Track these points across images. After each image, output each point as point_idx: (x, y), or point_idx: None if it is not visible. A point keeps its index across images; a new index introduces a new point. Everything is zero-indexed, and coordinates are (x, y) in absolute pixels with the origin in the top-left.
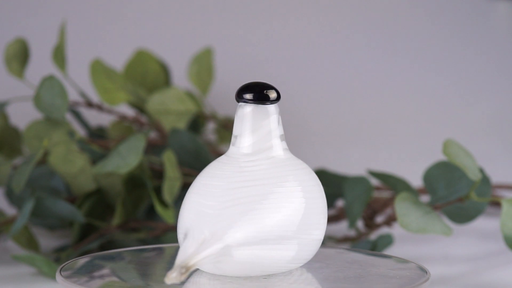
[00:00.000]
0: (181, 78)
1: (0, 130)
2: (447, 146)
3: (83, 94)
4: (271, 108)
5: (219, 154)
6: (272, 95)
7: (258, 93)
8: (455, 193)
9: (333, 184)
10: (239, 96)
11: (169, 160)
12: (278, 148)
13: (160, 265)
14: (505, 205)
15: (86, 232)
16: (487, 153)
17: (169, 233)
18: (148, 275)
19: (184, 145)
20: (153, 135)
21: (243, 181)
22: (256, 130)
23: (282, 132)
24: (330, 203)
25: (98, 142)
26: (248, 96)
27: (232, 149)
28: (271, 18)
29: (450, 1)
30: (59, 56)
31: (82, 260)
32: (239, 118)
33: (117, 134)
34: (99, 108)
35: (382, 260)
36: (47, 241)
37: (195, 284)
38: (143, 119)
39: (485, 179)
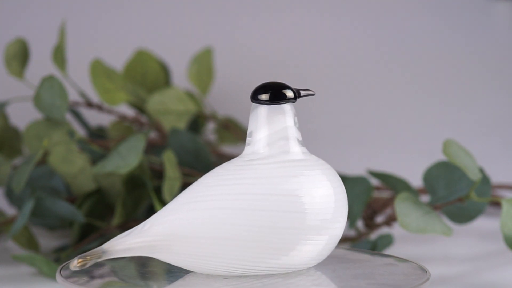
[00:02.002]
0: (181, 78)
1: (0, 130)
2: (447, 146)
3: (83, 94)
4: (286, 107)
5: (219, 154)
6: (288, 94)
7: (273, 92)
8: (455, 193)
9: None
10: (254, 97)
11: (169, 160)
12: (294, 147)
13: (160, 265)
14: (505, 205)
15: (86, 232)
16: (487, 153)
17: None
18: (148, 275)
19: (184, 145)
20: (153, 135)
21: (235, 179)
22: (270, 129)
23: (299, 135)
24: None
25: (98, 142)
26: (264, 96)
27: (245, 150)
28: (271, 18)
29: (450, 1)
30: (59, 56)
31: None
32: (253, 118)
33: (117, 134)
34: (99, 108)
35: (382, 260)
36: (47, 241)
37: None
38: (143, 119)
39: (485, 179)
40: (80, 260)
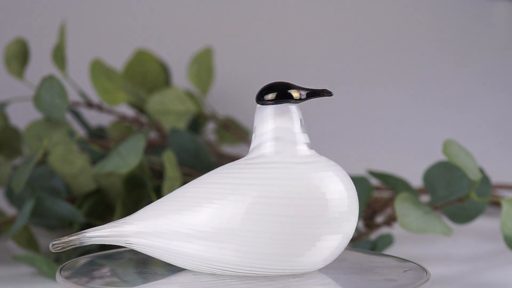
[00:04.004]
0: (181, 78)
1: (0, 130)
2: (447, 146)
3: (83, 94)
4: (292, 107)
5: (219, 154)
6: (293, 94)
7: (277, 92)
8: (455, 193)
9: None
10: (259, 98)
11: (169, 160)
12: (301, 149)
13: (160, 265)
14: (505, 205)
15: None
16: (487, 153)
17: None
18: (148, 275)
19: (184, 145)
20: (153, 135)
21: (241, 178)
22: (276, 131)
23: (307, 136)
24: None
25: (98, 142)
26: (268, 96)
27: (250, 151)
28: (271, 18)
29: (450, 1)
30: (59, 56)
31: (82, 260)
32: (258, 119)
33: (117, 134)
34: (99, 108)
35: (382, 260)
36: (47, 241)
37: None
38: (143, 119)
39: (485, 179)
40: (54, 244)
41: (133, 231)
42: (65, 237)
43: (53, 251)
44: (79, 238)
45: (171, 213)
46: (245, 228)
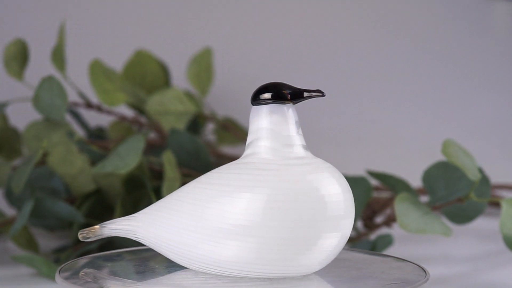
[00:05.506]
0: (180, 78)
1: (0, 131)
2: (446, 146)
3: (82, 95)
4: (287, 108)
5: (218, 154)
6: (288, 95)
7: (272, 93)
8: (454, 193)
9: None
10: (254, 98)
11: (168, 160)
12: (297, 150)
13: (160, 265)
14: (504, 205)
15: None
16: (487, 153)
17: None
18: (148, 275)
19: (183, 145)
20: (152, 135)
21: (239, 180)
22: (272, 132)
23: (303, 138)
24: None
25: (98, 142)
26: (263, 97)
27: (245, 152)
28: (271, 18)
29: (450, 1)
30: (58, 57)
31: (82, 261)
32: (253, 120)
33: (116, 135)
34: (99, 108)
35: (381, 260)
36: (47, 241)
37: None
38: (143, 119)
39: (484, 179)
40: (82, 233)
41: (140, 226)
42: (92, 227)
43: (81, 239)
44: (100, 229)
45: (175, 211)
46: (245, 231)
